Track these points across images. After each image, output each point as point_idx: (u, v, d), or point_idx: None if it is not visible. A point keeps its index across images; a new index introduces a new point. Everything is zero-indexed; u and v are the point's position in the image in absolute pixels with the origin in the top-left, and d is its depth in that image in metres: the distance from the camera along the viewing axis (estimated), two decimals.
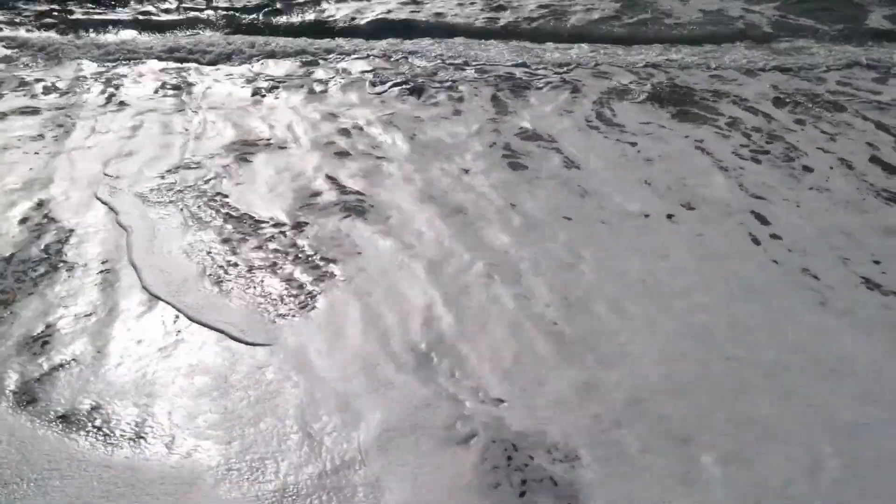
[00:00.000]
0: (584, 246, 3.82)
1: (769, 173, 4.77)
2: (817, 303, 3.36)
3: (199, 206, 4.24)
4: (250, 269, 3.61)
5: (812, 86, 6.63)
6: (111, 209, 4.21)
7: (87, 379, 2.83)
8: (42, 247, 3.81)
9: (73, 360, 2.94)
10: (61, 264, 3.65)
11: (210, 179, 4.62)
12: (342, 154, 5.07)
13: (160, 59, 7.65)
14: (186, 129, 5.54)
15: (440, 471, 2.38)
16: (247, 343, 3.04)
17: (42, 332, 3.12)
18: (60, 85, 6.70)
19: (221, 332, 3.10)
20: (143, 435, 2.56)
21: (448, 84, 6.71)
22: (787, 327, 3.17)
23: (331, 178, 4.64)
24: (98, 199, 4.36)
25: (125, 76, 7.03)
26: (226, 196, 4.39)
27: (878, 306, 3.34)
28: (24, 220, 4.11)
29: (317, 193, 4.44)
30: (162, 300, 3.32)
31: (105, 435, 2.57)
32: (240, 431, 2.58)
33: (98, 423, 2.62)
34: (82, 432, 2.57)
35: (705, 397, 2.73)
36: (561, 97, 6.31)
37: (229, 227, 4.02)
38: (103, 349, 3.01)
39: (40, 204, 4.30)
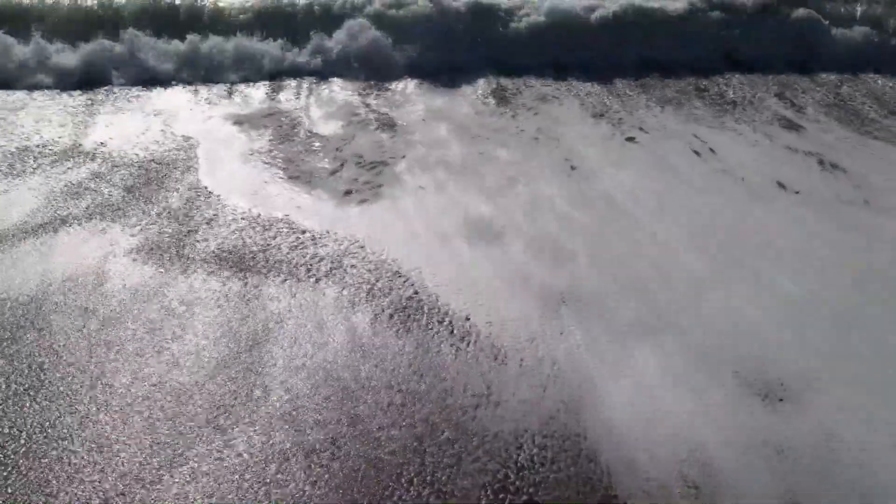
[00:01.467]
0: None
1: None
2: (745, 195, 4.60)
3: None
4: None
5: None
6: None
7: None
8: None
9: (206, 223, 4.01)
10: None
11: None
12: None
13: None
14: None
15: (514, 294, 3.48)
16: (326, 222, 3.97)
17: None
18: None
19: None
20: (272, 265, 3.53)
21: None
22: (724, 209, 4.40)
23: None
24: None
25: None
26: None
27: (789, 200, 4.60)
28: None
29: None
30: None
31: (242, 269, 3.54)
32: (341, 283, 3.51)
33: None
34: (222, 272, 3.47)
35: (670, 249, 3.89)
36: None
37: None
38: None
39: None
